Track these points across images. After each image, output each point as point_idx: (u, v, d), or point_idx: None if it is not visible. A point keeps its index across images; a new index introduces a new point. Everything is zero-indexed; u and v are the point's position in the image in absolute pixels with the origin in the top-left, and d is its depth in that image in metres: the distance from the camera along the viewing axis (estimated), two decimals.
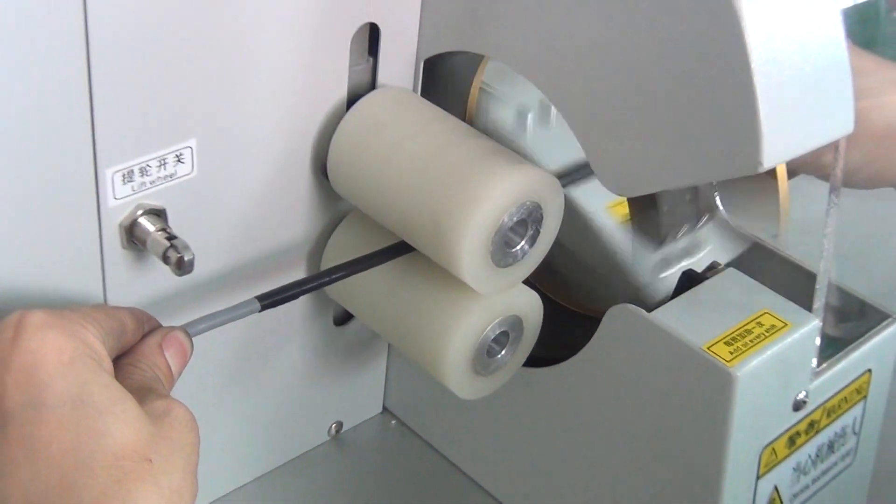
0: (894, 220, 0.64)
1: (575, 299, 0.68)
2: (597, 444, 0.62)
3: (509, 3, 0.55)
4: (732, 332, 0.56)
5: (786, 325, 0.57)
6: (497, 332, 0.59)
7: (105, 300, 0.55)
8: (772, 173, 0.63)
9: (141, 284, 0.56)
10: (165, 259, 0.52)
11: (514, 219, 0.54)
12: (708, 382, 0.55)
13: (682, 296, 0.58)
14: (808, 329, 0.57)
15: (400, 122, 0.58)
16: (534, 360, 0.63)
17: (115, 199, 0.52)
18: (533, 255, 0.57)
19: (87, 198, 0.52)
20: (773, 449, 0.58)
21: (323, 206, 0.62)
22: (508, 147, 0.57)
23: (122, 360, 0.47)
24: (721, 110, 0.48)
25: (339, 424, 0.73)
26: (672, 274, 0.65)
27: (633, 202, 0.66)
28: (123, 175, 0.52)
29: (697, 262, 0.66)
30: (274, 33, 0.55)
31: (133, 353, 0.48)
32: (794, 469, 0.61)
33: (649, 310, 0.57)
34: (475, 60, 0.64)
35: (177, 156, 0.54)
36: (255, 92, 0.55)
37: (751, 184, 0.62)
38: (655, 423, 0.58)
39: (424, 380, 0.69)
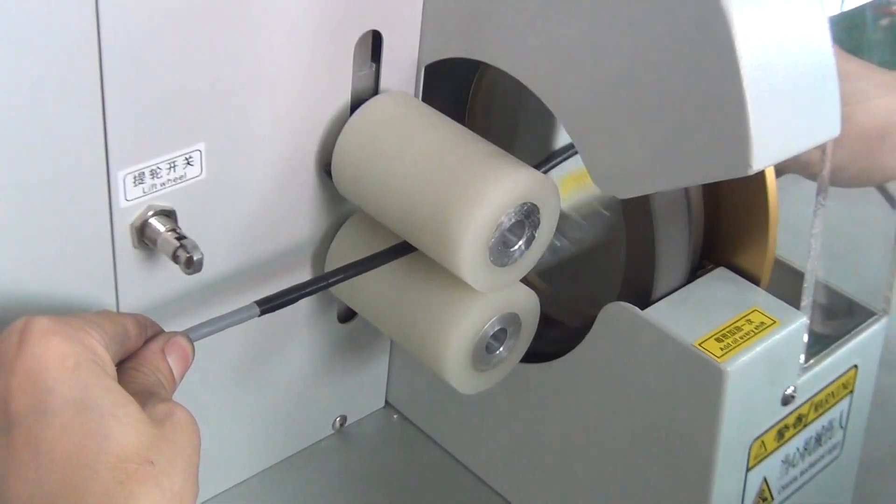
0: (880, 221, 0.65)
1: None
2: (592, 436, 0.62)
3: (508, 11, 0.55)
4: (723, 329, 0.56)
5: (774, 322, 0.57)
6: (496, 329, 0.59)
7: (116, 298, 0.55)
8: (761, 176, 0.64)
9: (151, 283, 0.56)
10: (175, 258, 0.52)
11: (513, 220, 0.55)
12: (699, 378, 0.55)
13: (675, 294, 0.59)
14: (797, 326, 0.57)
15: (402, 125, 0.58)
16: (531, 356, 0.63)
17: (127, 200, 0.53)
18: (530, 255, 0.57)
19: (99, 199, 0.52)
20: (763, 442, 0.59)
21: (327, 206, 0.63)
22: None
23: (125, 365, 0.47)
24: (711, 114, 0.48)
25: (344, 418, 0.73)
26: None
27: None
28: (135, 177, 0.52)
29: None
30: (281, 41, 0.55)
31: (136, 357, 0.48)
32: (782, 462, 0.61)
33: (643, 308, 0.57)
34: (475, 66, 0.65)
35: (186, 159, 0.54)
36: (263, 97, 0.56)
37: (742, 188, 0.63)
38: (648, 416, 0.58)
39: (425, 375, 0.70)
